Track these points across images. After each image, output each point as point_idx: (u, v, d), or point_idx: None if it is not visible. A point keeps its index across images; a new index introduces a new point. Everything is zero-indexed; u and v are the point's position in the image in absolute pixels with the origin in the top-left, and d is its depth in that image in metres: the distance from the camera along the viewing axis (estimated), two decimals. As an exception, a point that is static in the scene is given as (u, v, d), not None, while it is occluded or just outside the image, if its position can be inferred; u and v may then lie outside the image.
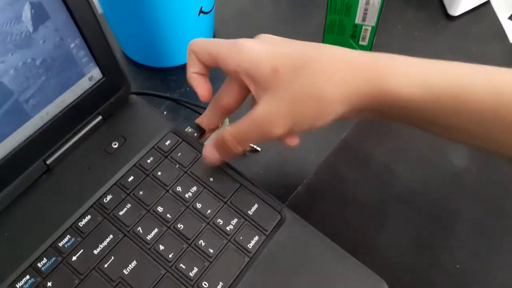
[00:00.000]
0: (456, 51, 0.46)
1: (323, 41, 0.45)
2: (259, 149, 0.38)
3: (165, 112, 0.41)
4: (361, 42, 0.43)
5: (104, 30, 0.29)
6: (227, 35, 0.47)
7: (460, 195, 0.36)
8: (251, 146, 0.38)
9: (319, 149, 0.38)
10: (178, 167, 0.31)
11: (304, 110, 0.25)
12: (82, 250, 0.27)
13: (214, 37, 0.46)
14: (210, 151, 0.29)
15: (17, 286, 0.26)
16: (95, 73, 0.30)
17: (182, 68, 0.44)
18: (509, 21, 0.48)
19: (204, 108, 0.38)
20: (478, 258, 0.33)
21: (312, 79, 0.25)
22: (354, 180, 0.37)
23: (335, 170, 0.37)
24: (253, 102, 0.28)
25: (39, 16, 0.25)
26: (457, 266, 0.32)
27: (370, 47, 0.44)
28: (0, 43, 0.23)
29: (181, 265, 0.27)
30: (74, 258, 0.27)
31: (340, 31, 0.43)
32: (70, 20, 0.27)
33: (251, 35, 0.48)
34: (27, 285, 0.26)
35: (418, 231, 0.34)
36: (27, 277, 0.26)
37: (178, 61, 0.44)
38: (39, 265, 0.27)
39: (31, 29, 0.25)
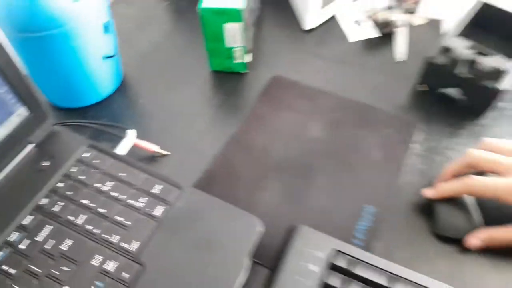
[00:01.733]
0: (315, 55, 0.59)
1: (210, 63, 0.56)
2: (166, 153, 0.48)
3: (89, 140, 0.51)
4: (237, 61, 0.55)
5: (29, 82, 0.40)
6: (135, 77, 0.58)
7: (318, 157, 0.48)
8: (160, 152, 0.48)
9: (214, 144, 0.49)
10: (97, 170, 0.40)
11: None
12: (29, 241, 0.36)
13: (123, 79, 0.57)
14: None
15: (-20, 274, 0.34)
16: (22, 111, 0.40)
17: (97, 105, 0.54)
18: (355, 24, 0.63)
19: (119, 128, 0.48)
20: (331, 197, 0.44)
21: None
22: (241, 163, 0.48)
23: (227, 158, 0.48)
24: None
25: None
26: (317, 205, 0.44)
27: (245, 64, 0.56)
28: None
29: (105, 236, 0.36)
30: (22, 247, 0.36)
31: (219, 54, 0.55)
32: (-4, 73, 0.37)
33: (158, 75, 0.58)
34: (-12, 272, 0.34)
35: (290, 187, 0.45)
36: (-13, 266, 0.35)
37: (93, 100, 0.53)
38: (-4, 256, 0.35)
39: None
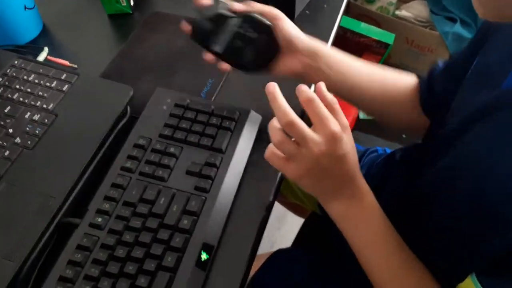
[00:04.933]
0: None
1: (105, 9, 0.79)
2: (75, 65, 0.71)
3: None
4: (123, 4, 0.78)
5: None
6: (52, 24, 0.79)
7: (179, 57, 0.71)
8: (69, 65, 0.70)
9: (109, 57, 0.72)
10: (25, 70, 0.62)
11: None
12: (-17, 111, 0.58)
13: (43, 27, 0.79)
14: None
15: None
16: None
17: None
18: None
19: (38, 49, 0.70)
20: (192, 74, 0.68)
21: None
22: (128, 64, 0.70)
23: (118, 62, 0.71)
24: None
25: None
26: (179, 82, 0.67)
27: (130, 6, 0.78)
28: None
29: (33, 102, 0.59)
30: (-20, 114, 0.58)
31: (109, 0, 0.77)
32: None
33: (69, 21, 0.79)
34: None
35: (161, 76, 0.68)
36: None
37: (22, 40, 0.75)
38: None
39: None
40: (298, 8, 0.76)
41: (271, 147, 0.48)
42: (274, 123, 0.46)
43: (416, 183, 0.57)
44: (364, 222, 0.50)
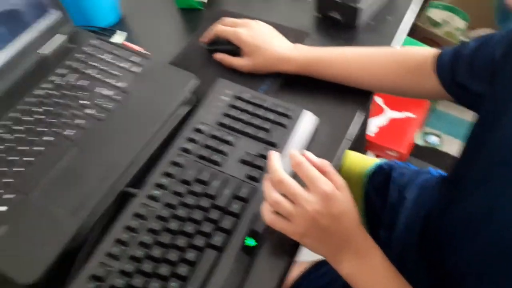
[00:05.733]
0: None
1: (176, 2, 0.83)
2: (149, 53, 0.75)
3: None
4: (196, 0, 0.82)
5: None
6: (129, 14, 0.85)
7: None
8: (144, 53, 0.75)
9: (179, 46, 0.76)
10: (100, 49, 0.67)
11: None
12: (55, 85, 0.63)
13: (121, 15, 0.84)
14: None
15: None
16: (56, 12, 0.67)
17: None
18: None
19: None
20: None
21: None
22: (195, 53, 0.74)
23: (187, 51, 0.75)
24: None
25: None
26: (235, 75, 0.70)
27: (201, 3, 0.83)
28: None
29: (107, 80, 0.63)
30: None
31: (185, -3, 0.82)
32: None
33: (143, 10, 0.85)
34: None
35: (223, 70, 0.72)
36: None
37: (101, 23, 0.81)
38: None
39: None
40: (364, 18, 0.78)
41: (267, 213, 0.49)
42: (268, 184, 0.50)
43: (451, 214, 0.55)
44: (373, 281, 0.49)
